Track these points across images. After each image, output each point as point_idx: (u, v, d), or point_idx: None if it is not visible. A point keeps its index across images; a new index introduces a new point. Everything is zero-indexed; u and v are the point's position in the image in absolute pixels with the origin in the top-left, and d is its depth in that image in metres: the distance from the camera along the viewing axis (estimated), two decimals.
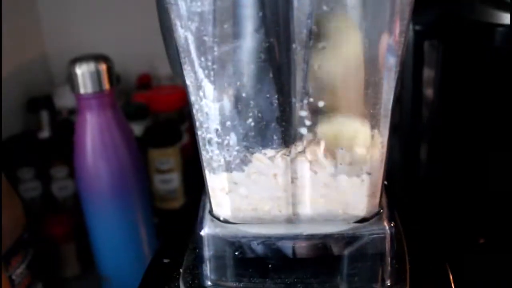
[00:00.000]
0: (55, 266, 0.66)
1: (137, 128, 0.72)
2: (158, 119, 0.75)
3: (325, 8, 0.27)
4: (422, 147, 0.63)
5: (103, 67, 0.52)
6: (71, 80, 0.52)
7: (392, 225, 0.33)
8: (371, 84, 0.30)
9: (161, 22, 0.35)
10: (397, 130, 0.61)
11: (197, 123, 0.32)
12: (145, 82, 0.83)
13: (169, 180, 0.70)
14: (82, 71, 0.51)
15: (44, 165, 0.71)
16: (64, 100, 0.76)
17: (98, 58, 0.52)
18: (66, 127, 0.74)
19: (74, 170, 0.56)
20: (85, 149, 0.54)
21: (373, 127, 0.31)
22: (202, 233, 0.34)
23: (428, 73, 0.60)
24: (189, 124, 0.76)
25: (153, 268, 0.40)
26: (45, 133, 0.75)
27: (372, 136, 0.32)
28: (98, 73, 0.52)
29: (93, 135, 0.54)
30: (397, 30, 0.29)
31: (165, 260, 0.40)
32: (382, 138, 0.32)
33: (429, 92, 0.61)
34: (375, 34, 0.29)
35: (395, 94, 0.31)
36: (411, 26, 0.57)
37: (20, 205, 0.53)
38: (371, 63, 0.30)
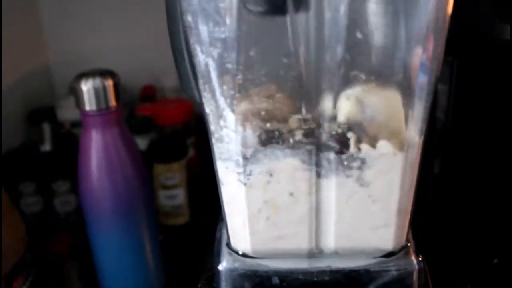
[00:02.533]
0: (57, 286, 0.64)
1: (141, 142, 0.70)
2: (163, 133, 0.73)
3: (359, 35, 0.25)
4: (434, 165, 0.62)
5: (109, 83, 0.50)
6: (76, 96, 0.50)
7: (420, 259, 0.32)
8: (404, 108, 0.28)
9: (173, 41, 0.34)
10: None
11: (217, 153, 0.30)
12: (149, 94, 0.81)
13: (175, 196, 0.68)
14: (88, 88, 0.50)
15: (46, 179, 0.69)
16: (67, 113, 0.74)
17: (104, 73, 0.50)
18: (68, 140, 0.73)
19: (77, 186, 0.54)
20: (89, 167, 0.52)
21: (404, 149, 0.29)
22: (220, 267, 0.32)
23: (441, 89, 0.58)
24: (195, 138, 0.74)
25: None
26: (46, 146, 0.74)
27: (404, 162, 0.30)
28: (104, 89, 0.50)
29: (98, 152, 0.52)
30: (430, 51, 0.28)
31: None
32: (412, 164, 0.30)
33: (442, 108, 0.60)
34: (409, 56, 0.27)
35: (428, 115, 0.30)
36: None
37: (23, 225, 0.51)
38: (403, 81, 0.28)
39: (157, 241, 0.59)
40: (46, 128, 0.75)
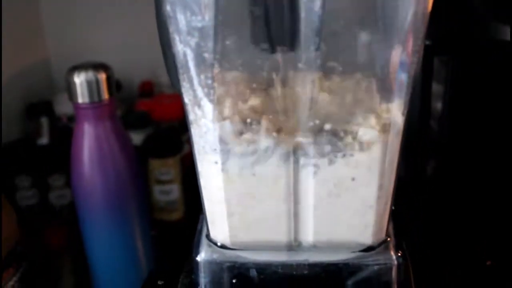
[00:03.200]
0: (49, 279, 0.65)
1: (138, 137, 0.71)
2: (159, 128, 0.73)
3: (334, 25, 0.25)
4: (428, 164, 0.62)
5: (102, 76, 0.50)
6: (69, 89, 0.51)
7: (399, 254, 0.31)
8: (383, 100, 0.28)
9: (160, 33, 0.34)
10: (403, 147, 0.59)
11: (195, 143, 0.30)
12: (147, 89, 0.81)
13: (169, 191, 0.68)
14: (81, 80, 0.50)
15: (42, 173, 0.69)
16: (64, 107, 0.75)
17: (97, 66, 0.51)
18: (65, 134, 0.73)
19: (70, 179, 0.55)
20: (81, 159, 0.52)
21: (383, 145, 0.29)
22: (198, 258, 0.32)
23: (436, 89, 0.58)
24: None
25: None
26: (44, 140, 0.74)
27: (383, 155, 0.30)
28: (97, 82, 0.50)
29: (90, 145, 0.52)
30: (410, 47, 0.28)
31: (159, 282, 0.38)
32: (391, 157, 0.30)
33: (437, 108, 0.59)
34: (387, 49, 0.27)
35: (406, 111, 0.30)
36: None
37: (14, 217, 0.51)
38: (382, 79, 0.28)
39: (149, 235, 0.59)
40: (44, 122, 0.75)
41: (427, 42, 0.55)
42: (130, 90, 0.83)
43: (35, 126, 0.76)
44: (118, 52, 0.80)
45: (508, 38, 0.48)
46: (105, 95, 0.51)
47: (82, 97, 0.50)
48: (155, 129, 0.73)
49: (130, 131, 0.68)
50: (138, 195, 0.56)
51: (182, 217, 0.70)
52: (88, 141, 0.52)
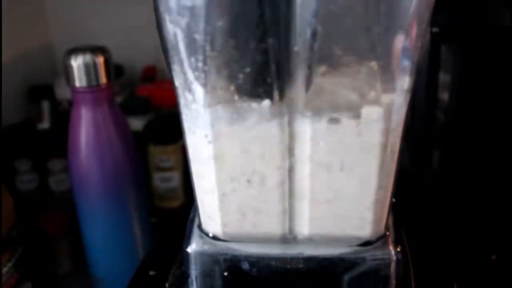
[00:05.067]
0: (47, 263, 0.64)
1: (138, 123, 0.70)
2: (160, 114, 0.72)
3: (332, 7, 0.23)
4: (433, 155, 0.60)
5: (100, 59, 0.49)
6: (67, 72, 0.50)
7: (398, 250, 0.30)
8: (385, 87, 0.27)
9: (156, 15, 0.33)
10: (407, 136, 0.58)
11: (186, 128, 0.29)
12: (149, 74, 0.80)
13: (169, 178, 0.67)
14: (78, 63, 0.49)
15: (42, 157, 0.68)
16: (65, 91, 0.73)
17: (95, 49, 0.49)
18: (66, 119, 0.72)
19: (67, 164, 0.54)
20: (78, 144, 0.52)
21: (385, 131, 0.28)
22: (189, 249, 0.31)
23: (443, 77, 0.57)
24: None
25: (138, 280, 0.38)
26: (45, 124, 0.73)
27: (384, 142, 0.28)
28: (94, 65, 0.49)
29: (88, 130, 0.51)
30: (413, 33, 0.26)
31: (151, 272, 0.37)
32: (393, 146, 0.29)
33: (444, 97, 0.58)
34: (390, 35, 0.26)
35: (409, 100, 0.28)
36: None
37: (10, 201, 0.51)
38: (383, 67, 0.26)
39: (147, 222, 0.58)
40: (45, 105, 0.74)
41: (435, 30, 0.53)
42: (133, 75, 0.82)
43: (36, 109, 0.75)
44: (122, 36, 0.79)
45: None
46: (103, 79, 0.50)
47: (79, 80, 0.49)
48: (155, 115, 0.72)
49: (130, 117, 0.67)
50: (136, 181, 0.55)
51: (182, 205, 0.69)
52: (85, 126, 0.51)
